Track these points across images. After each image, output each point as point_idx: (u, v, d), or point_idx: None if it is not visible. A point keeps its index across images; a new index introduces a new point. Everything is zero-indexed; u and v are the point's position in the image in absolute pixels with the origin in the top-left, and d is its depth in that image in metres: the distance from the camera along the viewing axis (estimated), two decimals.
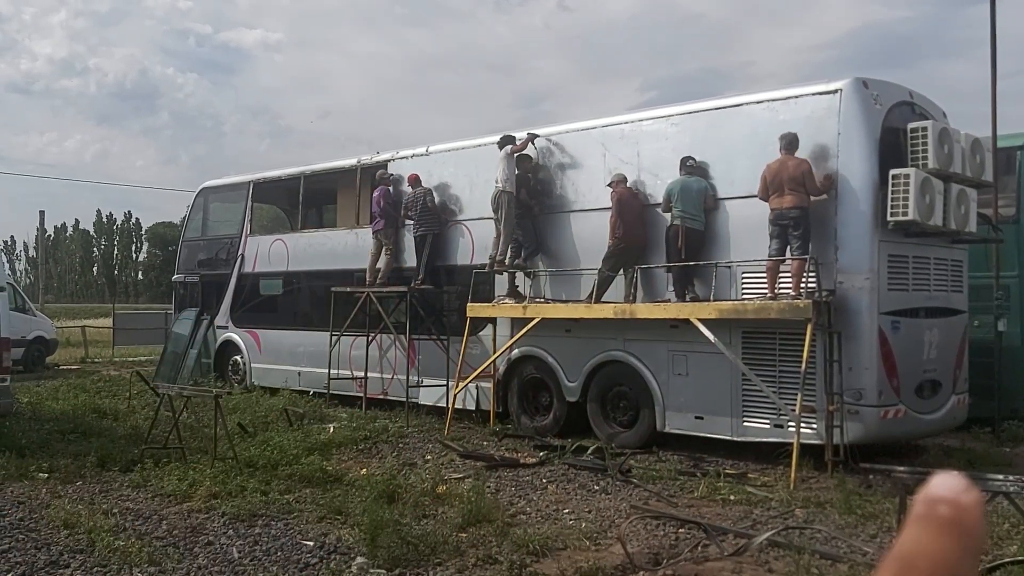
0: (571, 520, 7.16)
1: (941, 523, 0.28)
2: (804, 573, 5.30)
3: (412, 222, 12.68)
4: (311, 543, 6.49)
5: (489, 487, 8.11)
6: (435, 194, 12.63)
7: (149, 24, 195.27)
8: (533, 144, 11.52)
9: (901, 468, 5.04)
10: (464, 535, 6.59)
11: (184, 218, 19.75)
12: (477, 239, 12.12)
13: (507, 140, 11.34)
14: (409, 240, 12.92)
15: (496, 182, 11.14)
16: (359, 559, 6.06)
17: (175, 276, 17.87)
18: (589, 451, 9.62)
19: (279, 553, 6.29)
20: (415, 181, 12.71)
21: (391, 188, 13.15)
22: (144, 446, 9.29)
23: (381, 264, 13.13)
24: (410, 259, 12.91)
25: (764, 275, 9.23)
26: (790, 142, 8.91)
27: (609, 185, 10.31)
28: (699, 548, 6.37)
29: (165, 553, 6.20)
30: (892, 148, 8.98)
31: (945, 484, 0.30)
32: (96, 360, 24.20)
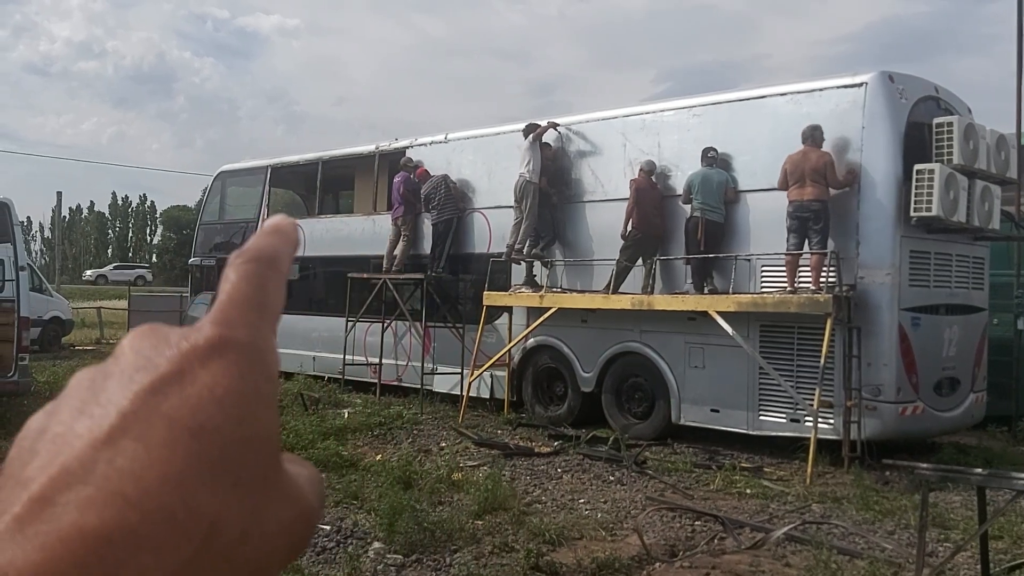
0: (587, 510, 7.17)
1: (269, 230, 0.40)
2: (823, 569, 5.28)
3: (434, 210, 12.59)
4: (327, 527, 6.51)
5: (504, 475, 8.11)
6: (452, 179, 12.60)
7: (167, 8, 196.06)
8: (557, 130, 11.47)
9: (924, 465, 5.01)
10: (480, 523, 6.60)
11: (200, 202, 19.80)
12: (495, 227, 12.09)
13: (532, 129, 11.28)
14: (427, 227, 12.90)
15: (521, 171, 11.10)
16: (376, 544, 6.08)
17: (191, 259, 17.92)
18: (606, 442, 9.61)
19: None
20: (424, 176, 12.71)
21: (412, 175, 13.13)
22: None
23: (398, 251, 13.13)
24: (427, 246, 12.89)
25: (783, 269, 9.18)
26: (814, 135, 8.84)
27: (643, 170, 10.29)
28: (715, 541, 6.36)
29: None
30: (917, 143, 8.90)
31: (274, 218, 0.42)
32: (111, 341, 24.33)
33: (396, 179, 13.12)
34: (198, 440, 0.33)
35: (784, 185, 8.92)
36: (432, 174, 12.68)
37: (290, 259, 0.41)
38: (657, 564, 5.82)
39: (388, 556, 5.87)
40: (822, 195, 8.69)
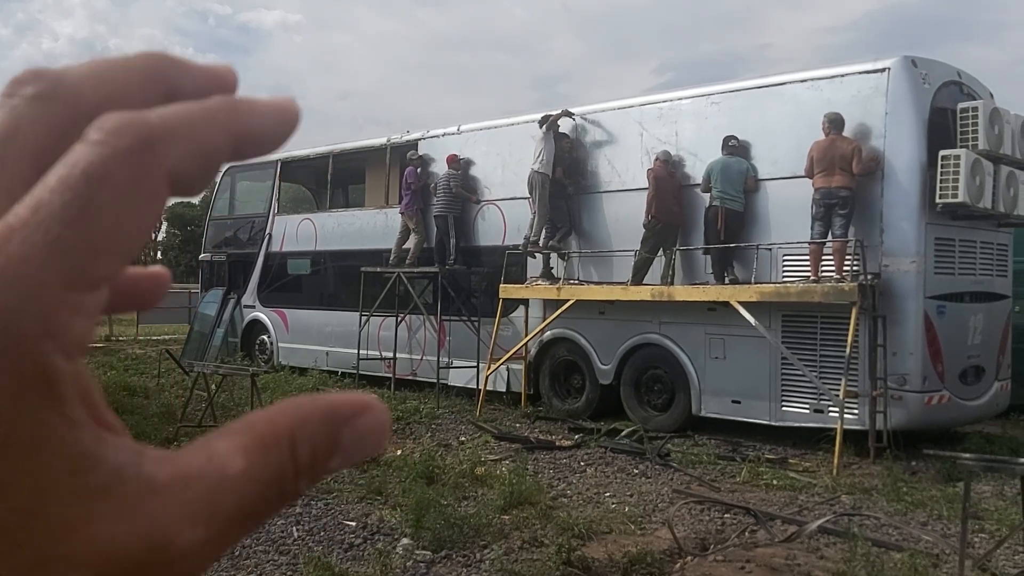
0: (613, 504, 7.07)
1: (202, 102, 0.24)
2: (863, 562, 5.18)
3: (435, 205, 12.56)
4: (353, 523, 6.44)
5: (527, 469, 8.02)
6: (461, 178, 12.47)
7: (169, 4, 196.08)
8: (573, 119, 11.35)
9: (967, 455, 4.91)
10: (507, 517, 6.51)
11: (207, 198, 19.71)
12: (509, 219, 11.99)
13: (547, 119, 11.16)
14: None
15: (532, 164, 10.98)
16: (404, 540, 5.99)
17: (202, 255, 17.84)
18: (628, 435, 9.51)
19: (322, 533, 6.24)
20: (452, 161, 12.55)
21: (419, 168, 13.03)
22: (179, 424, 9.26)
23: (410, 244, 13.03)
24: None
25: (806, 257, 9.07)
26: (837, 122, 8.72)
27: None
28: (747, 534, 6.27)
29: None
30: (940, 128, 8.77)
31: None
32: (121, 338, 24.29)
33: (406, 172, 13.03)
34: None
35: (810, 172, 8.80)
36: (460, 160, 12.53)
37: (216, 156, 0.24)
38: (690, 558, 5.72)
39: (417, 552, 5.79)
40: (850, 183, 8.58)
